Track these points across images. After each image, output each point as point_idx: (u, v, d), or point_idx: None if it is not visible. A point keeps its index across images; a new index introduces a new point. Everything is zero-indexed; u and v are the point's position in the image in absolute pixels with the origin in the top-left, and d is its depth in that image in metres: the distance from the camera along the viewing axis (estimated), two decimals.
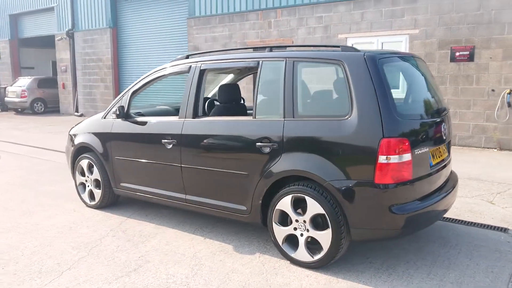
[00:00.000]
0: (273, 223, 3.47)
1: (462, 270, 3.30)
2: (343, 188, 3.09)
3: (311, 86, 3.62)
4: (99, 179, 4.80)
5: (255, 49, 4.01)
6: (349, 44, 9.88)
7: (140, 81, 4.52)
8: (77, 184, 5.12)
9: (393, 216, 3.02)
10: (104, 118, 4.79)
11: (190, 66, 4.09)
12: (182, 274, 3.31)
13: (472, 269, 3.30)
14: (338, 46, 3.40)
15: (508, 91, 8.19)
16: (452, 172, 3.99)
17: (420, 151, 3.18)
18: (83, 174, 5.03)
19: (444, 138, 3.59)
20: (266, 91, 3.58)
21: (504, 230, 4.13)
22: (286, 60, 3.48)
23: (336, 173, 3.12)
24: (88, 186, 4.98)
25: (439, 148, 3.50)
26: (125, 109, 4.46)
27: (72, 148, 5.09)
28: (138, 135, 4.38)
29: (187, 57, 4.28)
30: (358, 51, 3.27)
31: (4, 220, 4.56)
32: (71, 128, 5.35)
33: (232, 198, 3.73)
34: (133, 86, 4.55)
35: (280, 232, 3.45)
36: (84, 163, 4.94)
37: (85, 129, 5.00)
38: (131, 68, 14.94)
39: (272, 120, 3.46)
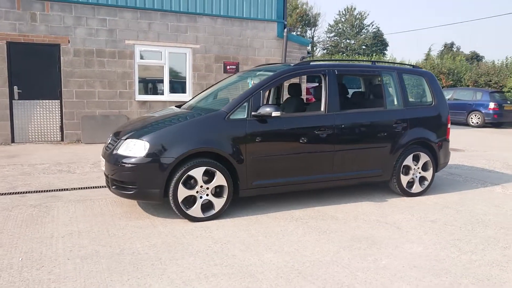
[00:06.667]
0: (401, 174, 5.44)
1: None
2: (438, 143, 5.64)
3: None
4: (225, 184, 4.49)
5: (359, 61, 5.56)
6: (136, 50, 10.42)
7: (272, 80, 4.79)
8: (180, 201, 4.35)
9: (450, 155, 5.93)
10: (227, 118, 4.52)
11: (326, 71, 5.05)
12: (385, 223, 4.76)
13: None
14: (413, 66, 5.81)
15: None
16: None
17: None
18: (187, 186, 4.38)
19: None
20: (388, 91, 5.42)
21: None
22: (396, 72, 5.50)
23: (435, 136, 5.62)
24: (201, 197, 4.43)
25: None
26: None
27: (168, 160, 4.27)
28: (286, 131, 4.74)
29: (309, 62, 5.12)
30: (422, 69, 5.85)
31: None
32: (139, 137, 4.36)
33: (371, 166, 5.27)
34: (263, 86, 4.72)
35: (405, 179, 5.48)
36: (197, 171, 4.37)
37: (195, 133, 4.41)
38: None
39: (399, 109, 5.42)
